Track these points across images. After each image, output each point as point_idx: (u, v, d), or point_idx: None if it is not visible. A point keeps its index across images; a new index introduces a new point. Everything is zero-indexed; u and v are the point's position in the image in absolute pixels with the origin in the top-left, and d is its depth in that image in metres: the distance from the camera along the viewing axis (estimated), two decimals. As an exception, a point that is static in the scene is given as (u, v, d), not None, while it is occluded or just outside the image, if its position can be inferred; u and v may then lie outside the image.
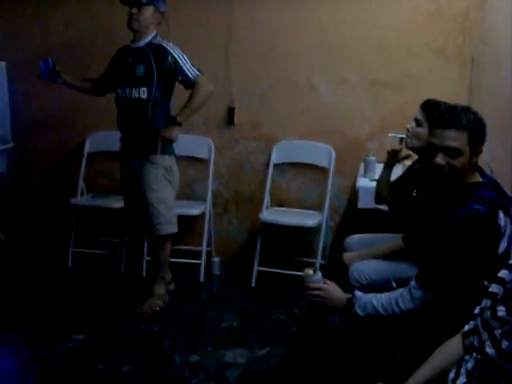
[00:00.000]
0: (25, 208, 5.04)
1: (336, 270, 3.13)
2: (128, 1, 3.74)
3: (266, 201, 4.56)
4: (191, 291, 4.25)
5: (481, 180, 2.27)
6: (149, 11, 3.74)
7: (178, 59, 3.71)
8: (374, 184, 3.82)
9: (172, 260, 4.26)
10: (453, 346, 1.85)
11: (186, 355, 3.37)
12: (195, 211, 4.52)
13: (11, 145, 4.90)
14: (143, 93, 3.73)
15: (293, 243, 4.73)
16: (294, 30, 4.48)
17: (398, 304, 2.17)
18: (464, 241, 2.10)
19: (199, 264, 4.49)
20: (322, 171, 4.55)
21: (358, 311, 2.22)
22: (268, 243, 4.54)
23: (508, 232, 2.19)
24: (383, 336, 2.19)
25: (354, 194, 4.26)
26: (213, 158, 4.62)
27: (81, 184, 4.79)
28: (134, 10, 3.71)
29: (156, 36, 3.80)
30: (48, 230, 4.97)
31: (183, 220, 4.70)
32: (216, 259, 4.66)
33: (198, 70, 3.73)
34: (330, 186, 4.43)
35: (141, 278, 4.48)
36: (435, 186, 2.37)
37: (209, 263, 4.60)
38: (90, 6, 4.73)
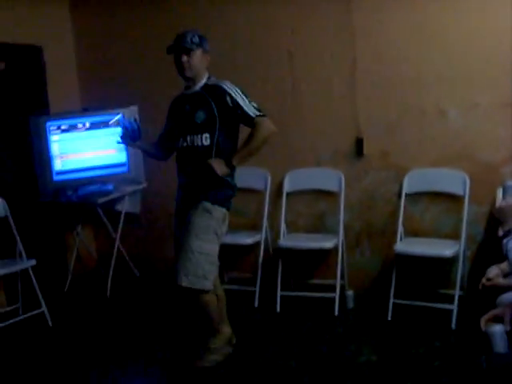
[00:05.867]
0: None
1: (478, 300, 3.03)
2: (176, 49, 3.56)
3: (399, 231, 4.48)
4: (326, 325, 4.22)
5: None
6: (198, 55, 3.55)
7: (235, 96, 3.50)
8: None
9: (306, 294, 4.26)
10: None
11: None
12: (328, 244, 4.50)
13: (144, 185, 5.16)
14: (205, 139, 3.54)
15: (428, 274, 4.59)
16: (419, 56, 4.41)
17: None
18: None
19: (333, 298, 4.45)
20: (456, 199, 4.41)
21: None
22: (402, 274, 4.44)
23: None
24: None
25: (490, 221, 4.10)
26: (343, 190, 4.61)
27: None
28: (184, 59, 3.53)
29: (209, 78, 3.63)
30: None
31: (315, 253, 4.72)
32: (350, 292, 4.60)
33: (259, 110, 3.50)
34: (466, 214, 4.29)
35: (275, 314, 4.49)
36: None
37: (342, 296, 4.55)
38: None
